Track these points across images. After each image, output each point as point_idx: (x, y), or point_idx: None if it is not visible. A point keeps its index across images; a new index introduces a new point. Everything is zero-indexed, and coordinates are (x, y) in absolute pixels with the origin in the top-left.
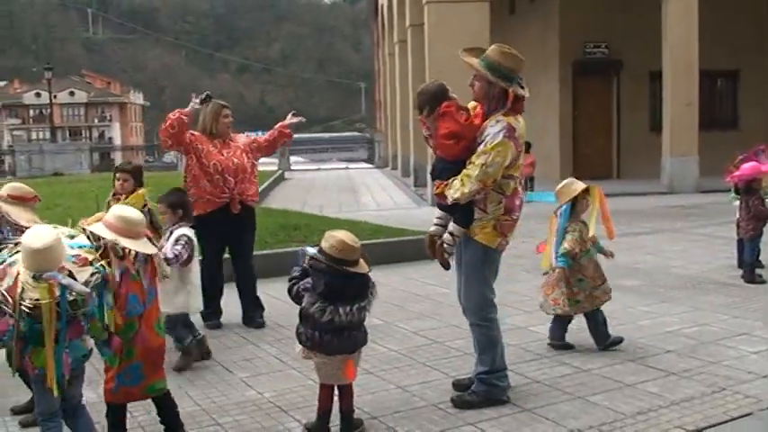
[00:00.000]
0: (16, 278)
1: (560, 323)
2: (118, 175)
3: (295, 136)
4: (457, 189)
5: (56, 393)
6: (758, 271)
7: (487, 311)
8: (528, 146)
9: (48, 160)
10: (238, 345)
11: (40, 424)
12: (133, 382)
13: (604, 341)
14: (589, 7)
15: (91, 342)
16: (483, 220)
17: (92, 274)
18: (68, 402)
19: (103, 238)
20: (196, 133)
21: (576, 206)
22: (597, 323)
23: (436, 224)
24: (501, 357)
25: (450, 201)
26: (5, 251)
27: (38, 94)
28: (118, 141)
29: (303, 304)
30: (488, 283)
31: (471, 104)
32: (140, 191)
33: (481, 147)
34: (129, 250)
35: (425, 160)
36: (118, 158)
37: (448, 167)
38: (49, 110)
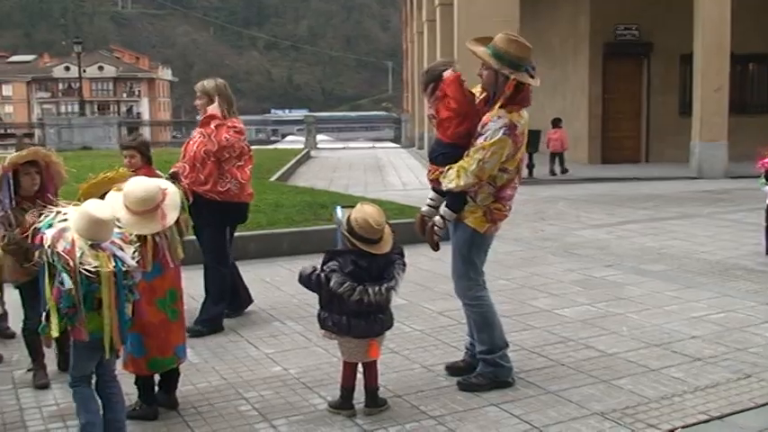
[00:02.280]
0: (72, 242)
1: None
2: (124, 152)
3: (322, 114)
4: (451, 180)
5: (108, 356)
6: None
7: (475, 291)
8: (557, 121)
9: (76, 134)
10: (265, 321)
11: (71, 386)
12: (136, 353)
13: None
14: None
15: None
16: (472, 206)
17: (134, 252)
18: (105, 368)
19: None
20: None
21: None
22: None
23: (429, 205)
24: (500, 335)
25: (443, 188)
26: (49, 217)
27: (67, 68)
28: (146, 116)
29: (331, 285)
30: (474, 265)
31: (477, 89)
32: (120, 169)
33: (480, 140)
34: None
35: None
36: (146, 133)
37: (444, 152)
38: (78, 84)
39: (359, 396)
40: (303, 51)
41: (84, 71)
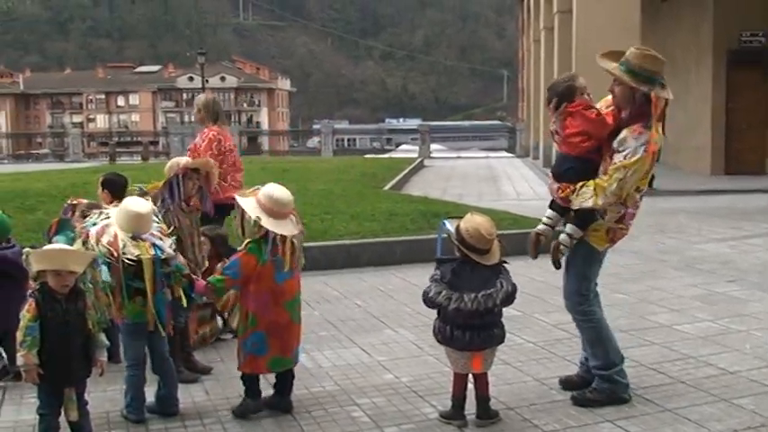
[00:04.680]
0: (115, 236)
1: None
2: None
3: (436, 123)
4: (586, 198)
5: (163, 334)
6: None
7: (585, 306)
8: None
9: None
10: (377, 329)
11: (126, 370)
12: (258, 352)
13: None
14: None
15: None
16: (596, 224)
17: (170, 244)
18: (157, 350)
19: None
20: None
21: None
22: None
23: (545, 224)
24: (615, 350)
25: (575, 206)
26: (92, 217)
27: (190, 78)
28: (265, 126)
29: (430, 294)
30: (588, 280)
31: (603, 102)
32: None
33: (620, 158)
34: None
35: None
36: (265, 143)
37: (573, 167)
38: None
39: (471, 407)
40: (418, 61)
41: (207, 81)
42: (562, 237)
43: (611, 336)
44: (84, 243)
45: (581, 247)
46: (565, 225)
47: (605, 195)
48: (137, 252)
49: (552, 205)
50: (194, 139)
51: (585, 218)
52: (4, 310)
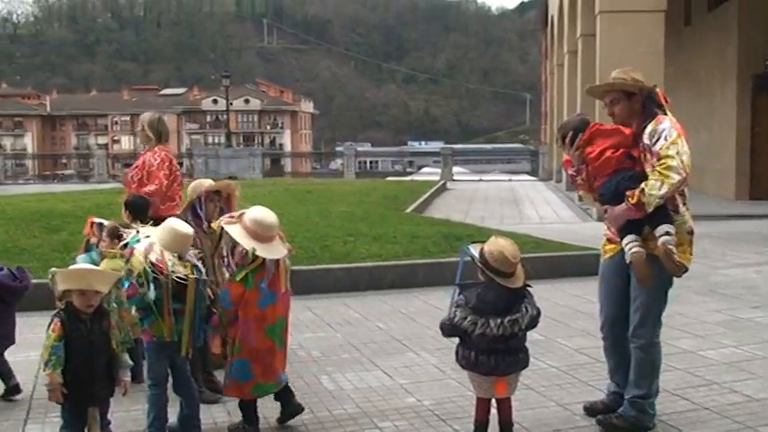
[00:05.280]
0: (162, 254)
1: None
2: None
3: (458, 146)
4: (660, 186)
5: (187, 353)
6: None
7: (657, 334)
8: None
9: (223, 164)
10: (399, 352)
11: (149, 388)
12: (241, 378)
13: None
14: None
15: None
16: (676, 225)
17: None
18: (180, 370)
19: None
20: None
21: None
22: None
23: (636, 246)
24: (657, 383)
25: (654, 202)
26: (131, 236)
27: (215, 101)
28: (288, 148)
29: (455, 320)
30: (665, 305)
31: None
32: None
33: (661, 143)
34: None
35: None
36: (288, 165)
37: (622, 177)
38: (225, 116)
39: (493, 431)
40: (441, 84)
41: (232, 104)
42: (665, 239)
43: (661, 368)
44: (127, 261)
45: (658, 266)
46: (638, 234)
47: (672, 173)
48: (184, 271)
49: (625, 230)
50: (144, 157)
51: (667, 214)
52: (1, 335)
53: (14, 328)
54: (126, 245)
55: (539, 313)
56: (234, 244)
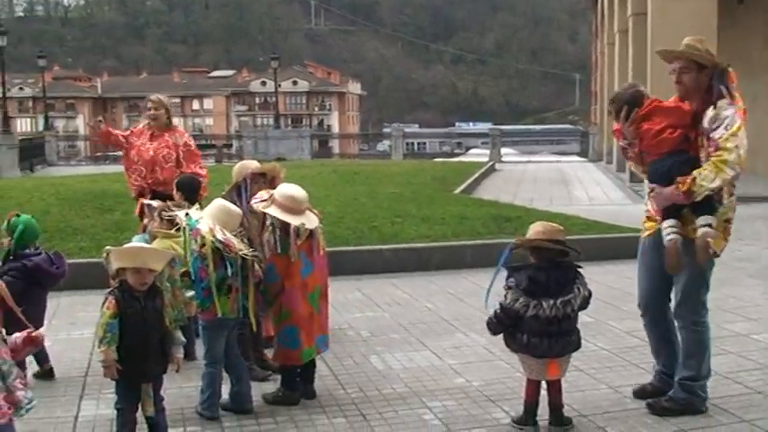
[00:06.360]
0: (224, 233)
1: None
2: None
3: (507, 127)
4: (713, 178)
5: (254, 329)
6: None
7: (702, 314)
8: None
9: (271, 145)
10: (448, 332)
11: (205, 367)
12: (290, 345)
13: None
14: None
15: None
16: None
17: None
18: (232, 350)
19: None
20: (135, 129)
21: None
22: None
23: (674, 232)
24: (708, 364)
25: (704, 193)
26: (187, 217)
27: (263, 83)
28: (336, 129)
29: (507, 302)
30: (707, 286)
31: (670, 102)
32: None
33: (721, 131)
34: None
35: None
36: (336, 146)
37: (677, 160)
38: (273, 98)
39: (543, 413)
40: (489, 64)
41: (280, 86)
42: (706, 231)
43: (710, 349)
44: (195, 242)
45: (692, 251)
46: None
47: (728, 167)
48: (245, 249)
49: (667, 214)
50: (158, 139)
51: (712, 205)
52: (33, 317)
53: (45, 311)
54: (179, 228)
55: (590, 294)
56: (262, 225)
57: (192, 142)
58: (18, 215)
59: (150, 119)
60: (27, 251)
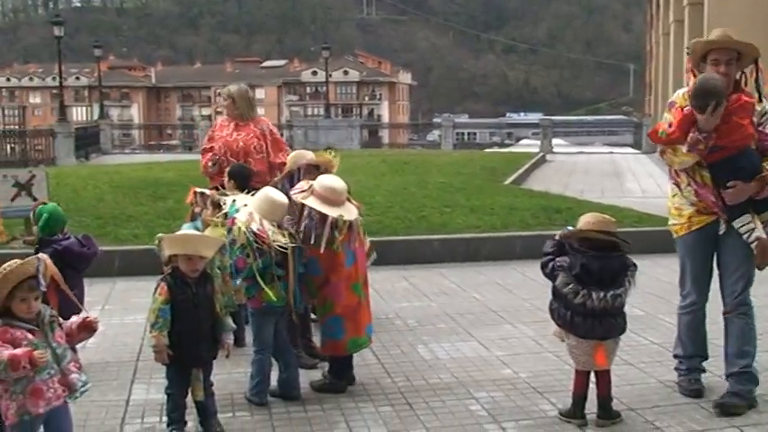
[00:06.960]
0: (262, 223)
1: None
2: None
3: (558, 117)
4: None
5: (294, 319)
6: None
7: (750, 298)
8: None
9: (322, 135)
10: (495, 323)
11: (255, 354)
12: (335, 335)
13: None
14: None
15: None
16: None
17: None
18: (280, 337)
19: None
20: (216, 126)
21: None
22: None
23: (753, 228)
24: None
25: None
26: (229, 205)
27: (314, 73)
28: (386, 119)
29: (557, 283)
30: (754, 274)
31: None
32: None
33: None
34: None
35: None
36: (385, 136)
37: (751, 155)
38: (324, 87)
39: (591, 406)
40: (541, 54)
41: (331, 75)
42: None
43: None
44: (230, 231)
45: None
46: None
47: None
48: (283, 240)
49: (740, 209)
50: (244, 129)
51: None
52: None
53: (83, 296)
54: (226, 215)
55: None
56: (299, 215)
57: (276, 130)
58: (45, 203)
59: (225, 110)
60: (55, 237)
